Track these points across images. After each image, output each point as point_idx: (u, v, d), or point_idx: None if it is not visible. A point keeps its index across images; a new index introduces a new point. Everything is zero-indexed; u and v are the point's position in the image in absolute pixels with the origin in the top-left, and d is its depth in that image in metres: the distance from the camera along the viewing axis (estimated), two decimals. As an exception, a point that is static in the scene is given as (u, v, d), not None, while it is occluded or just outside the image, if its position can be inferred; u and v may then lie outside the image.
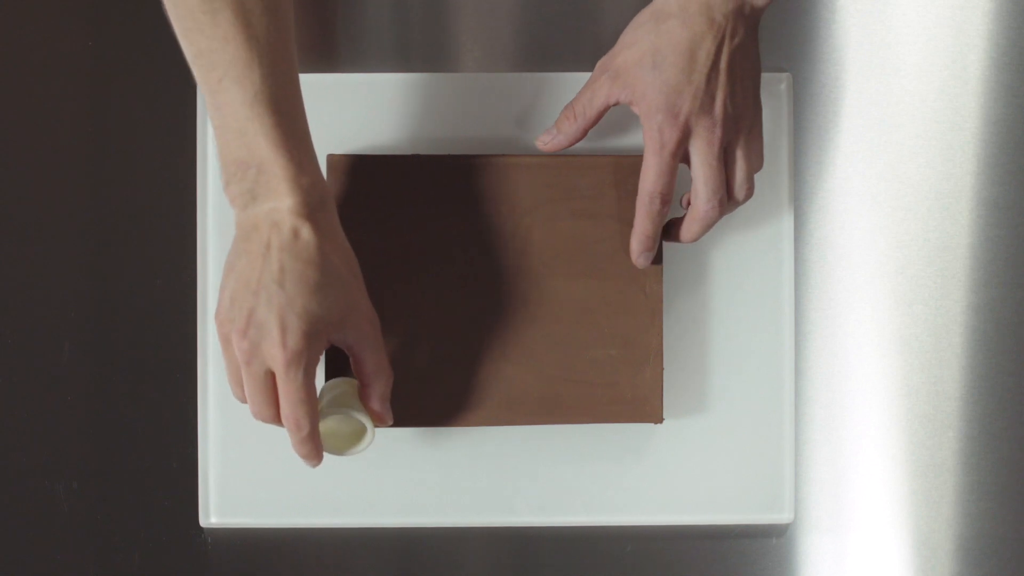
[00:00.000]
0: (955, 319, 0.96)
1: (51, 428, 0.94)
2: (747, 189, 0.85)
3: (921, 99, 0.96)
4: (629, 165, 0.88)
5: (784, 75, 0.94)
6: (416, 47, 0.96)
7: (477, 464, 0.93)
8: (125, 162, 0.94)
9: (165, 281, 0.94)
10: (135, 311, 0.94)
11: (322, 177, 0.79)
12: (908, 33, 0.96)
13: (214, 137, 0.77)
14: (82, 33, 0.95)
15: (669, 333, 0.92)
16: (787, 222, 0.94)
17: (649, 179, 0.84)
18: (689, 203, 0.86)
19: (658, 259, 0.88)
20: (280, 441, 0.91)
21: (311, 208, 0.77)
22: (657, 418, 0.89)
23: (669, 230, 0.88)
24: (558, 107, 0.90)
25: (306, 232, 0.77)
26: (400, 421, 0.87)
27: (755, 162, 0.85)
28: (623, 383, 0.88)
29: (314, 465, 0.81)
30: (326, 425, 0.83)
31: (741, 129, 0.83)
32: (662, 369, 0.89)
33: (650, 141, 0.83)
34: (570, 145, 0.88)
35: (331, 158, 0.87)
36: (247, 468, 0.92)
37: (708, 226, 0.86)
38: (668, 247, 0.91)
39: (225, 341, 0.79)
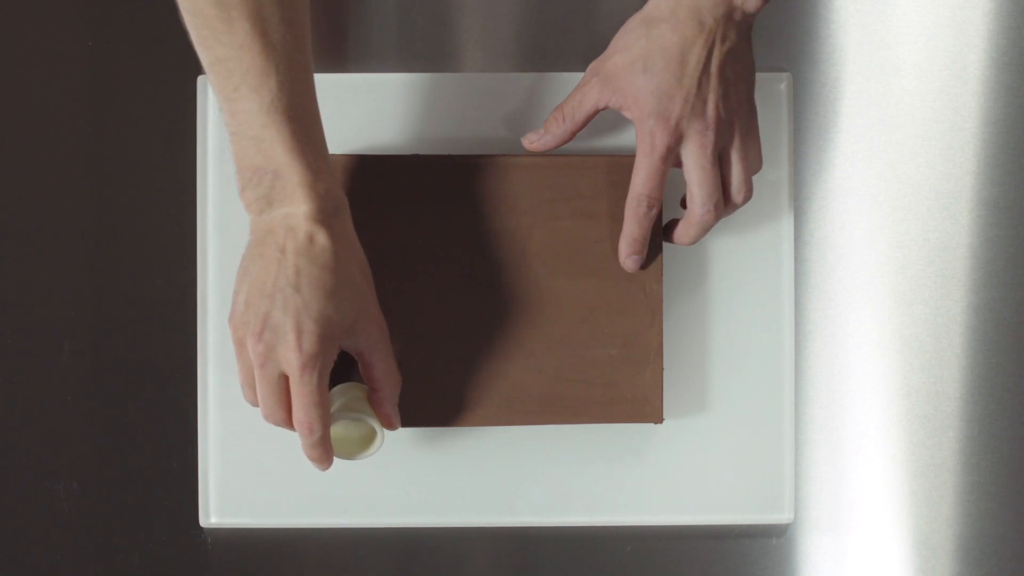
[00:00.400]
0: (955, 319, 0.96)
1: (51, 428, 0.94)
2: (745, 192, 0.85)
3: (921, 99, 0.96)
4: (629, 166, 0.88)
5: (784, 75, 0.94)
6: (417, 47, 0.96)
7: (477, 464, 0.93)
8: (125, 162, 0.94)
9: (165, 281, 0.94)
10: (135, 311, 0.94)
11: (338, 184, 0.80)
12: (908, 33, 0.96)
13: (229, 143, 0.78)
14: (82, 33, 0.95)
15: (669, 333, 0.92)
16: (787, 222, 0.94)
17: (638, 182, 0.84)
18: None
19: (650, 262, 0.88)
20: (280, 441, 0.91)
21: (326, 214, 0.78)
22: (657, 418, 0.89)
23: (668, 232, 0.88)
24: (558, 107, 0.90)
25: (322, 237, 0.77)
26: (401, 421, 0.87)
27: (753, 164, 0.85)
28: (623, 383, 0.88)
29: (324, 469, 0.81)
30: (335, 429, 0.83)
31: (735, 132, 0.83)
32: (662, 369, 0.89)
33: (641, 144, 0.83)
34: (557, 146, 0.88)
35: (331, 158, 0.87)
36: (247, 468, 0.92)
37: (704, 230, 0.86)
38: (668, 247, 0.91)
39: (239, 344, 0.79)
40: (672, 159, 0.83)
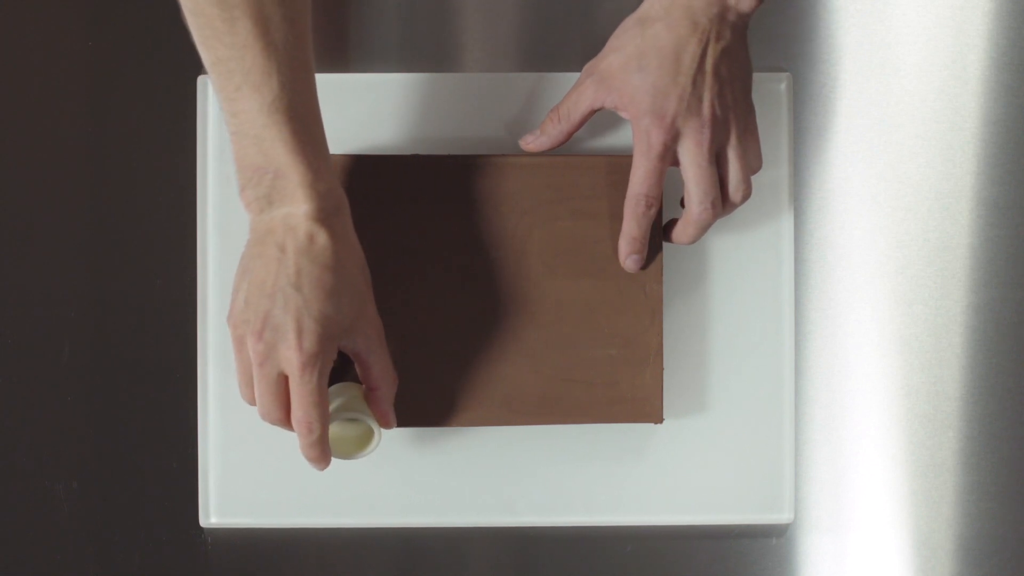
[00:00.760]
0: (955, 319, 0.96)
1: (51, 428, 0.94)
2: (743, 190, 0.85)
3: (921, 99, 0.96)
4: (629, 165, 0.88)
5: (784, 75, 0.94)
6: (416, 47, 0.96)
7: (477, 464, 0.93)
8: (125, 162, 0.94)
9: (165, 281, 0.94)
10: (135, 311, 0.94)
11: (338, 184, 0.80)
12: (908, 33, 0.96)
13: (230, 142, 0.78)
14: (82, 33, 0.95)
15: (669, 333, 0.92)
16: (787, 222, 0.94)
17: (636, 181, 0.84)
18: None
19: (650, 262, 0.88)
20: (280, 441, 0.91)
21: (327, 214, 0.78)
22: (657, 418, 0.89)
23: (667, 232, 0.88)
24: (558, 107, 0.90)
25: (322, 237, 0.77)
26: (400, 421, 0.87)
27: (753, 163, 0.86)
28: (623, 383, 0.88)
29: (322, 468, 0.81)
30: (332, 429, 0.83)
31: (732, 130, 0.83)
32: (662, 369, 0.89)
33: (638, 143, 0.83)
34: (553, 147, 0.88)
35: (332, 158, 0.87)
36: (247, 468, 0.92)
37: (703, 229, 0.86)
38: (668, 247, 0.91)
39: (238, 343, 0.79)
40: (669, 158, 0.83)
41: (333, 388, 0.84)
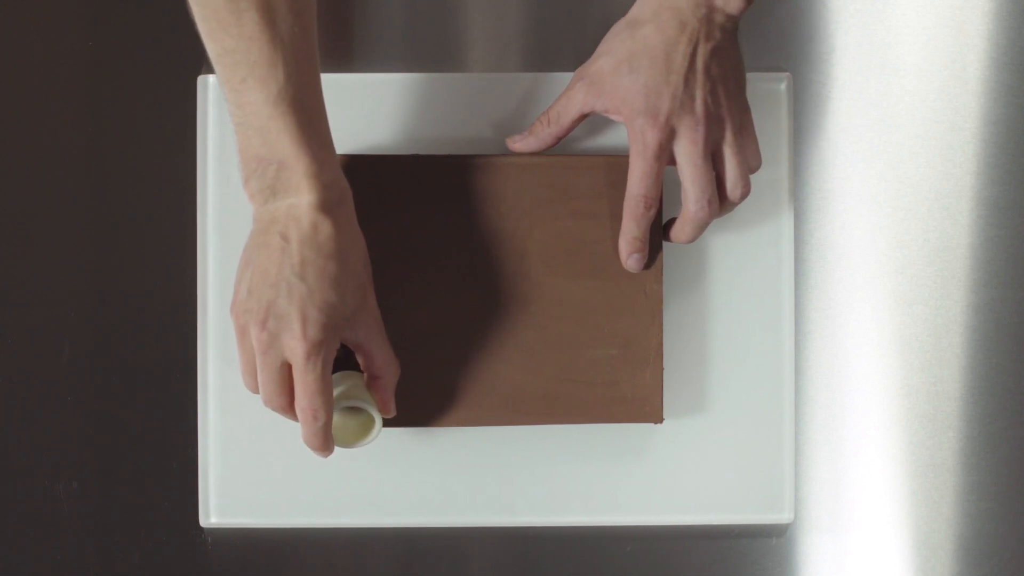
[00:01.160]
0: (955, 319, 0.96)
1: (51, 428, 0.94)
2: (742, 188, 0.85)
3: (921, 99, 0.96)
4: (628, 166, 0.88)
5: (784, 75, 0.94)
6: (416, 47, 0.96)
7: (477, 464, 0.93)
8: (125, 162, 0.94)
9: (165, 281, 0.94)
10: (135, 311, 0.94)
11: (342, 175, 0.80)
12: (908, 33, 0.96)
13: (234, 133, 0.78)
14: (82, 33, 0.95)
15: (669, 333, 0.92)
16: (787, 222, 0.94)
17: (634, 182, 0.84)
18: (688, 204, 0.86)
19: (651, 262, 0.88)
20: (280, 441, 0.91)
21: (331, 204, 0.78)
22: (657, 418, 0.89)
23: (666, 231, 0.88)
24: (558, 107, 0.90)
25: (326, 227, 0.78)
26: (400, 421, 0.87)
27: (751, 161, 0.86)
28: (623, 383, 0.88)
29: (325, 456, 0.82)
30: (333, 418, 0.84)
31: (727, 128, 0.84)
32: (662, 369, 0.89)
33: (633, 144, 0.84)
34: (541, 149, 0.88)
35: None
36: (247, 468, 0.92)
37: (701, 227, 0.86)
38: (667, 247, 0.91)
39: (241, 332, 0.79)
40: (665, 157, 0.83)
41: (334, 376, 0.84)
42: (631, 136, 0.83)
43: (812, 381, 0.95)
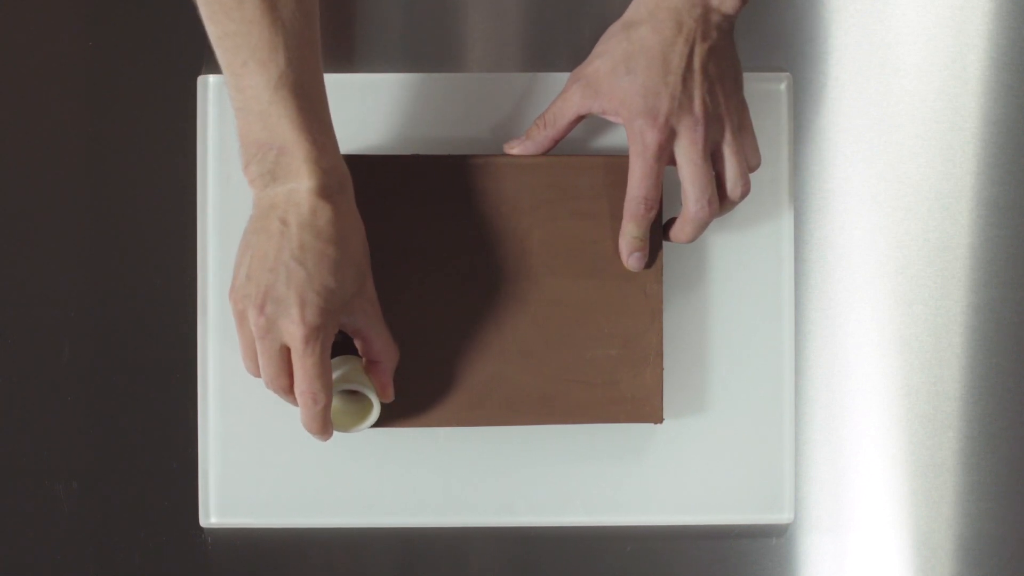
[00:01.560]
0: (955, 319, 0.96)
1: (51, 428, 0.94)
2: (742, 187, 0.85)
3: (921, 99, 0.96)
4: (628, 166, 0.88)
5: (784, 75, 0.94)
6: (416, 47, 0.96)
7: (477, 464, 0.93)
8: (125, 162, 0.94)
9: (165, 281, 0.94)
10: (135, 311, 0.94)
11: (342, 161, 0.80)
12: (908, 33, 0.96)
13: (234, 118, 0.78)
14: (82, 33, 0.95)
15: (669, 333, 0.92)
16: (787, 222, 0.94)
17: (633, 184, 0.84)
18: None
19: (652, 261, 0.88)
20: (280, 441, 0.91)
21: (331, 190, 0.78)
22: (657, 418, 0.89)
23: (666, 231, 0.88)
24: (558, 107, 0.90)
25: (326, 212, 0.78)
26: (401, 421, 0.87)
27: (750, 159, 0.86)
28: (623, 383, 0.88)
29: (324, 439, 0.82)
30: (333, 402, 0.84)
31: (726, 127, 0.84)
32: (662, 369, 0.89)
33: (633, 145, 0.84)
34: (538, 152, 0.88)
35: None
36: (247, 468, 0.92)
37: (701, 227, 0.86)
38: (668, 247, 0.91)
39: (240, 317, 0.79)
40: (665, 158, 0.83)
41: (333, 361, 0.85)
42: (630, 137, 0.83)
43: (812, 381, 0.95)
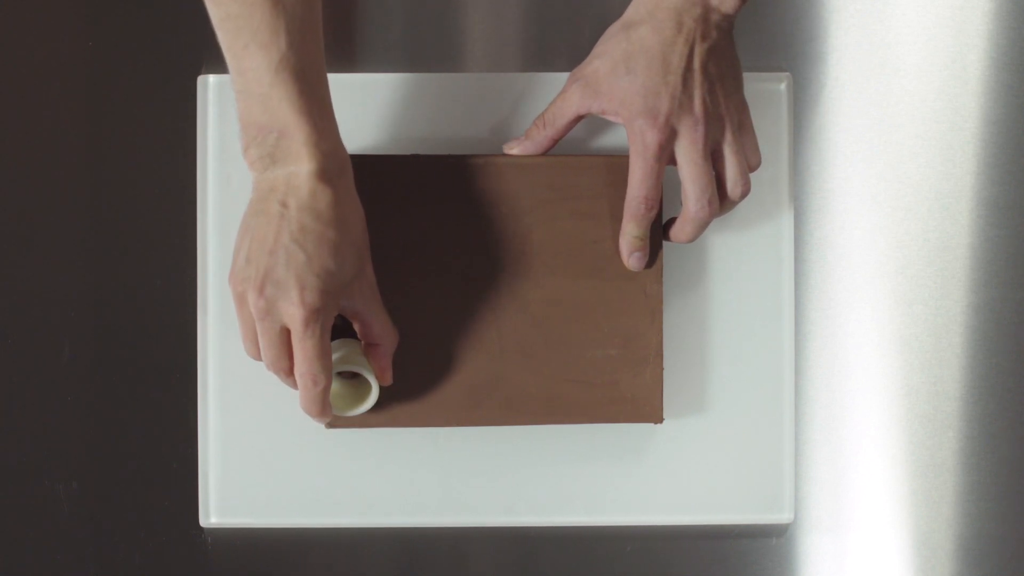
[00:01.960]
0: (955, 319, 0.96)
1: (51, 428, 0.94)
2: (742, 187, 0.85)
3: (921, 99, 0.96)
4: (628, 166, 0.88)
5: (784, 75, 0.94)
6: (416, 47, 0.96)
7: (477, 464, 0.93)
8: (125, 162, 0.94)
9: (165, 281, 0.94)
10: (135, 311, 0.94)
11: (342, 145, 0.80)
12: (908, 33, 0.96)
13: (235, 101, 0.78)
14: (82, 33, 0.95)
15: (669, 333, 0.92)
16: (787, 222, 0.94)
17: (634, 184, 0.84)
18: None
19: (652, 261, 0.88)
20: (280, 441, 0.91)
21: (331, 174, 0.78)
22: (657, 418, 0.89)
23: (666, 230, 0.88)
24: (558, 107, 0.90)
25: (325, 195, 0.78)
26: (401, 421, 0.87)
27: (751, 159, 0.86)
28: (623, 383, 0.88)
29: (324, 421, 0.83)
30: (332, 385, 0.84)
31: (727, 127, 0.84)
32: (662, 369, 0.89)
33: (633, 145, 0.84)
34: (538, 152, 0.88)
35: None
36: (247, 468, 0.92)
37: (701, 227, 0.86)
38: (668, 247, 0.91)
39: (240, 299, 0.80)
40: (665, 158, 0.83)
41: (332, 344, 0.85)
42: (631, 137, 0.83)
43: (812, 381, 0.95)
